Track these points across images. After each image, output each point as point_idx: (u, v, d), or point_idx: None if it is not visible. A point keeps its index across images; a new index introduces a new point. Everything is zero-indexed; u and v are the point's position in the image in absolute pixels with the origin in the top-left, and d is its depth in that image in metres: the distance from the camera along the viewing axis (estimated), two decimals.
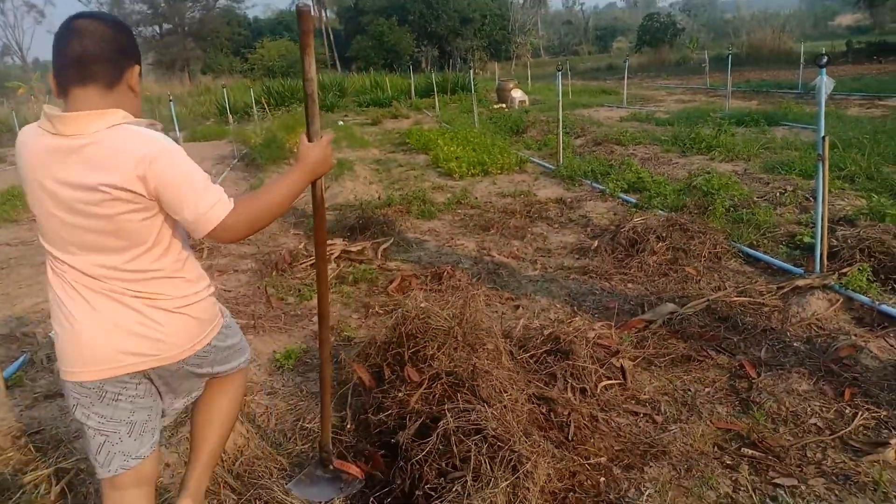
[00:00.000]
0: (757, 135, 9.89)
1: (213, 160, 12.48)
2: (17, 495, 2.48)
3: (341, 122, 17.85)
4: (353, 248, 5.55)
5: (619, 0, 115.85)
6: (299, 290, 4.87)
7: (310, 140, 1.93)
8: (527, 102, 18.85)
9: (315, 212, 2.10)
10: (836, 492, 2.43)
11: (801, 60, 17.80)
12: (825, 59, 4.13)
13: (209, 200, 1.65)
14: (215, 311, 1.94)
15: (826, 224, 4.32)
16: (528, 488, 2.23)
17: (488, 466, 2.26)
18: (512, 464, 2.27)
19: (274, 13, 69.08)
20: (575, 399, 2.99)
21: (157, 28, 52.46)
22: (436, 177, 9.23)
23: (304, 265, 5.36)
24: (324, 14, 55.78)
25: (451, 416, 2.42)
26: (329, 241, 5.79)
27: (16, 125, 16.52)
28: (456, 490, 2.20)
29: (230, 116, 16.41)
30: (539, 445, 2.42)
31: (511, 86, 19.81)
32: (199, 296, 1.84)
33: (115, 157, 1.59)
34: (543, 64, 47.76)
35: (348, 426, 2.91)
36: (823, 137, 4.15)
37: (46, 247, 1.74)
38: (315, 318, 4.34)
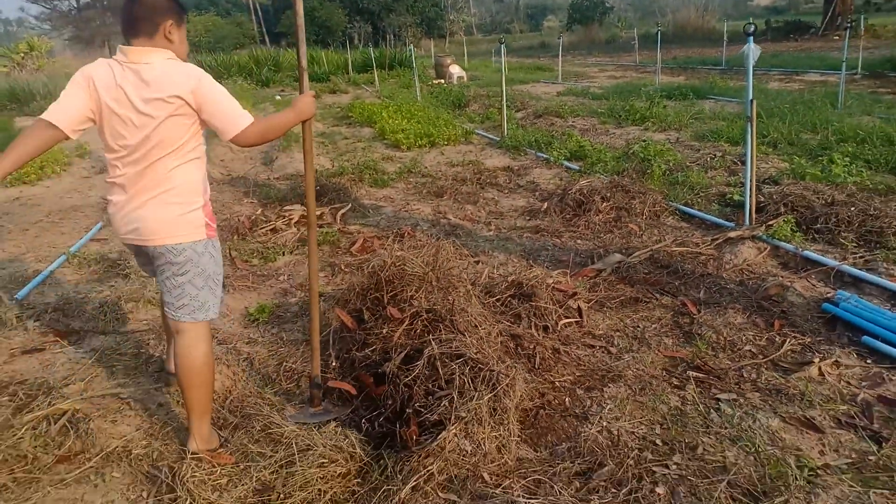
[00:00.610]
0: (686, 107, 10.43)
1: None
2: (20, 433, 2.58)
3: (278, 97, 17.65)
4: None
5: None
6: (262, 253, 4.99)
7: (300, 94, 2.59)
8: (465, 78, 19.06)
9: (305, 157, 2.74)
10: (770, 402, 2.80)
11: (725, 38, 18.61)
12: (752, 28, 4.51)
13: (238, 113, 2.31)
14: (200, 225, 2.41)
15: (754, 181, 4.74)
16: (506, 402, 2.50)
17: (471, 385, 2.51)
18: (491, 382, 2.54)
19: None
20: (538, 335, 3.27)
21: (73, 2, 49.89)
22: (383, 148, 9.37)
23: (263, 230, 5.46)
24: None
25: (435, 345, 2.66)
26: (287, 207, 5.91)
27: None
28: (444, 405, 2.45)
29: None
30: (513, 368, 2.69)
31: (449, 62, 19.97)
32: (192, 205, 2.38)
33: (169, 77, 2.24)
34: (476, 42, 48.02)
35: (333, 364, 3.11)
36: (751, 101, 4.54)
37: (107, 155, 2.36)
38: (281, 278, 4.51)
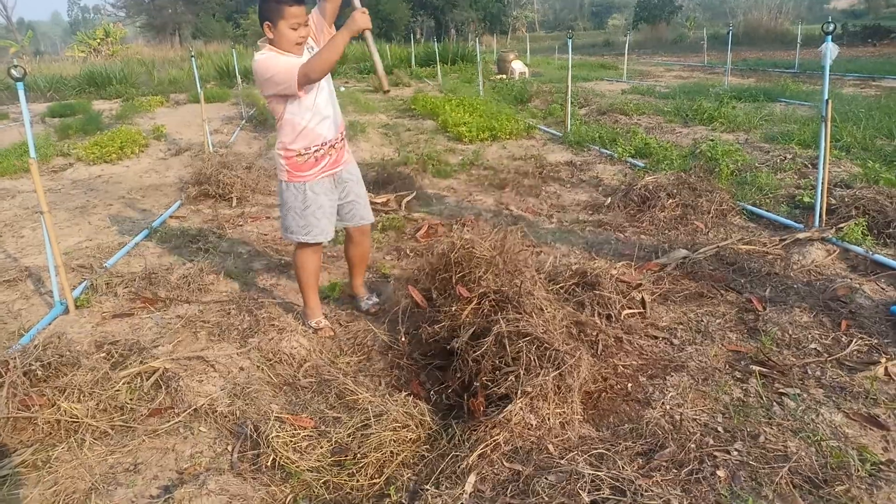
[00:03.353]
0: (756, 108, 10.23)
1: (222, 120, 12.66)
2: (118, 386, 2.80)
3: (343, 88, 17.99)
4: (379, 200, 5.85)
5: None
6: None
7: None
8: (527, 74, 19.05)
9: (372, 57, 3.35)
10: (834, 398, 2.80)
11: (798, 41, 18.10)
12: (832, 27, 4.44)
13: (287, 70, 3.05)
14: (281, 169, 3.36)
15: (826, 183, 4.68)
16: (570, 381, 2.59)
17: (537, 363, 2.61)
18: (557, 362, 2.62)
19: None
20: (601, 323, 3.34)
21: None
22: (445, 141, 9.50)
23: None
24: None
25: (503, 323, 2.76)
26: None
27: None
28: (510, 380, 2.55)
29: (239, 78, 16.44)
30: (578, 349, 2.77)
31: (512, 57, 19.99)
32: (278, 153, 3.36)
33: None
34: (539, 38, 47.77)
35: (402, 339, 3.24)
36: (827, 101, 4.48)
37: None
38: None
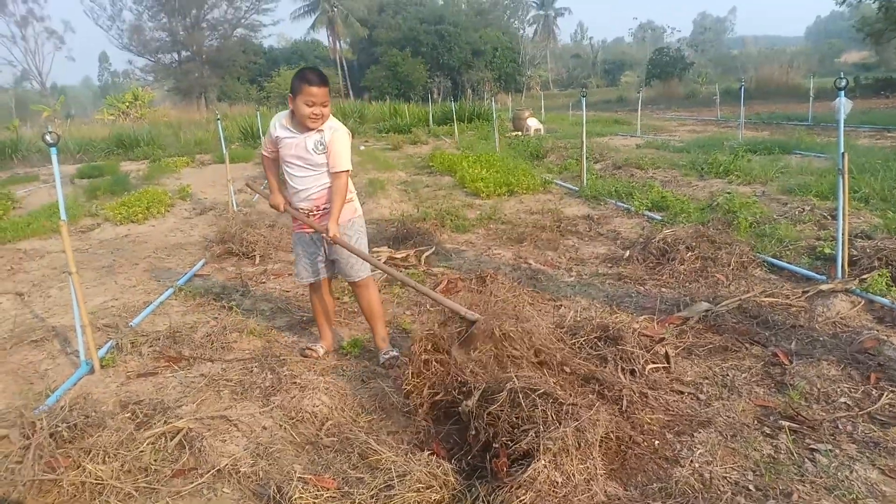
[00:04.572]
0: (772, 161, 10.27)
1: (245, 180, 12.90)
2: (142, 447, 2.81)
3: (363, 147, 18.35)
4: (398, 255, 5.91)
5: (627, 35, 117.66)
6: (351, 291, 5.21)
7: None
8: (542, 131, 19.34)
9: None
10: (868, 454, 2.74)
11: (811, 94, 18.27)
12: (844, 83, 4.51)
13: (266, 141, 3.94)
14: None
15: (847, 234, 4.66)
16: (589, 436, 2.55)
17: (554, 418, 2.58)
18: (575, 416, 2.60)
19: (288, 43, 70.55)
20: (625, 378, 3.31)
21: (175, 55, 53.71)
22: (463, 196, 9.61)
23: None
24: (338, 45, 57.05)
25: (517, 380, 2.74)
26: (375, 249, 6.16)
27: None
28: (531, 435, 2.52)
29: (263, 139, 16.87)
30: (594, 403, 2.75)
31: (527, 114, 20.34)
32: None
33: None
34: (552, 96, 48.61)
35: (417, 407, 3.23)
36: (843, 153, 4.51)
37: None
38: None
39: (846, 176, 4.53)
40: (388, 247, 6.30)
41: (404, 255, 5.95)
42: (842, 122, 4.53)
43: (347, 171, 3.66)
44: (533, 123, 19.55)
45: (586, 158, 9.78)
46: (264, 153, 3.88)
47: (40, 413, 2.91)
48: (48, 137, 3.67)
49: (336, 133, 3.64)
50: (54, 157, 3.77)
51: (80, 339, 3.92)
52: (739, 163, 9.71)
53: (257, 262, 6.36)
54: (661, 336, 3.76)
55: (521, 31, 74.46)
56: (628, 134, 17.82)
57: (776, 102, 26.61)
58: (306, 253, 3.87)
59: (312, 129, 3.60)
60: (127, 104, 37.74)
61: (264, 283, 5.68)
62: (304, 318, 4.71)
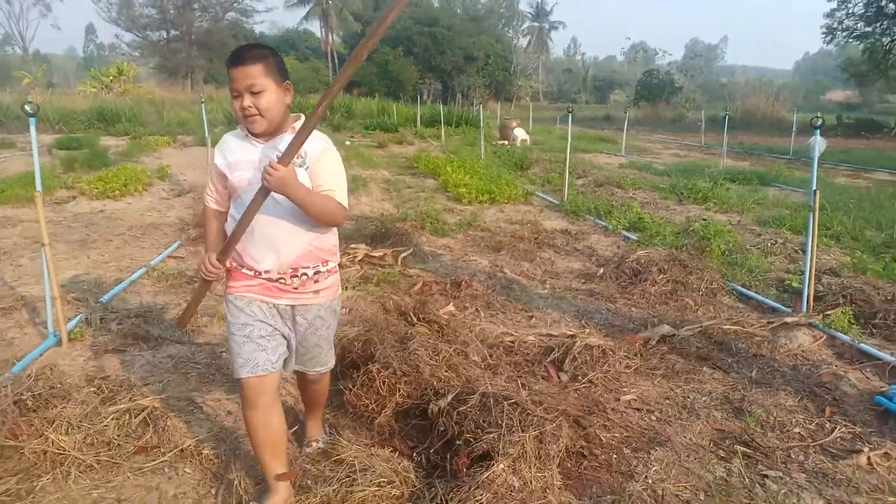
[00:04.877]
0: (750, 192, 10.48)
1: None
2: (106, 421, 2.81)
3: (348, 142, 18.33)
4: (376, 254, 5.94)
5: (619, 54, 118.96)
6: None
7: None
8: (528, 142, 19.49)
9: None
10: (816, 484, 2.83)
11: (794, 128, 18.64)
12: (820, 122, 4.64)
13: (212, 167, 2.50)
14: None
15: (814, 270, 4.79)
16: (550, 448, 2.61)
17: (518, 426, 2.64)
18: (539, 426, 2.66)
19: (280, 31, 70.22)
20: (588, 392, 3.38)
21: (164, 33, 53.07)
22: (445, 200, 9.66)
23: None
24: (330, 38, 56.84)
25: (490, 384, 2.80)
26: (353, 245, 6.18)
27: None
28: (493, 436, 2.58)
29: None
30: (559, 418, 2.81)
31: (514, 124, 20.50)
32: None
33: None
34: (541, 108, 48.94)
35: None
36: (815, 191, 4.64)
37: None
38: (342, 311, 4.71)
39: (816, 212, 4.66)
40: (366, 244, 6.31)
41: (381, 254, 5.98)
42: (815, 159, 4.66)
43: (343, 206, 2.35)
44: (520, 134, 19.69)
45: (569, 174, 9.89)
46: (209, 204, 2.49)
47: (4, 380, 2.89)
48: (27, 108, 3.65)
49: (327, 150, 2.35)
50: (32, 129, 3.74)
51: (49, 310, 3.89)
52: (718, 191, 9.90)
53: None
54: (623, 356, 3.84)
55: (515, 41, 74.86)
56: (613, 152, 18.02)
57: (759, 134, 27.07)
58: (259, 325, 2.37)
59: (281, 134, 2.31)
60: (111, 78, 37.21)
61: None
62: None
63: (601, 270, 5.84)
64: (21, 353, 3.72)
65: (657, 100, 44.11)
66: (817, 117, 4.68)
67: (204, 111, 10.59)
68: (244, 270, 2.37)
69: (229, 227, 2.36)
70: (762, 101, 35.52)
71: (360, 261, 5.80)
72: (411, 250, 6.31)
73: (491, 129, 22.99)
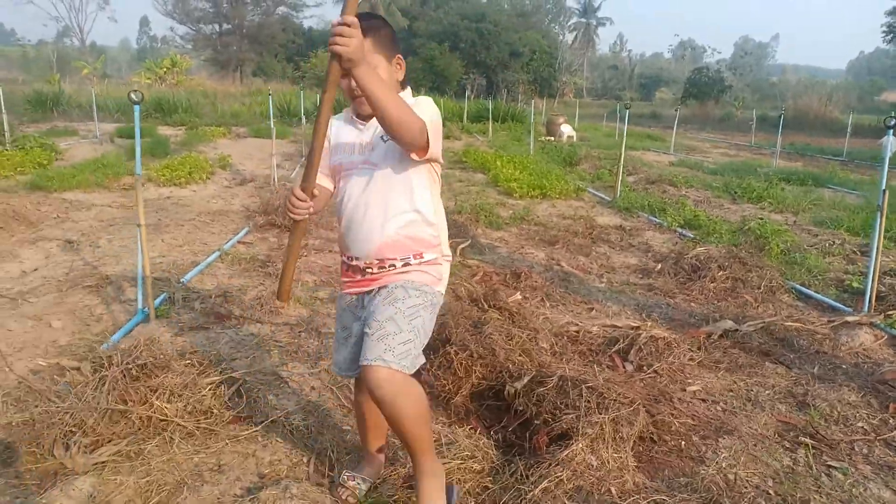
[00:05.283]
0: (804, 192, 10.36)
1: (282, 156, 13.16)
2: (204, 391, 3.02)
3: None
4: None
5: (666, 51, 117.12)
6: None
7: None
8: (574, 138, 19.45)
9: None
10: (882, 476, 2.89)
11: (849, 129, 18.25)
12: (893, 122, 4.63)
13: None
14: None
15: (878, 270, 4.79)
16: (625, 431, 2.73)
17: (595, 408, 2.76)
18: (615, 409, 2.78)
19: (328, 25, 70.93)
20: (657, 381, 3.48)
21: (216, 27, 54.24)
22: (496, 194, 9.78)
23: None
24: None
25: (568, 369, 2.93)
26: None
27: (94, 102, 17.32)
28: (571, 417, 2.71)
29: (304, 118, 17.08)
30: (636, 401, 2.92)
31: (561, 120, 20.47)
32: None
33: None
34: (586, 105, 48.57)
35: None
36: (884, 191, 4.63)
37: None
38: None
39: (884, 212, 4.66)
40: None
41: None
42: (887, 159, 4.66)
43: (425, 127, 1.98)
44: (566, 130, 19.67)
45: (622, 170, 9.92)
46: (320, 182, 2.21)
47: (114, 349, 3.12)
48: (133, 96, 3.89)
49: (421, 99, 2.12)
50: (136, 115, 3.98)
51: (140, 287, 4.14)
52: (773, 190, 9.81)
53: None
54: (687, 349, 3.93)
55: (561, 37, 74.37)
56: (661, 150, 17.89)
57: (811, 135, 26.52)
58: (340, 326, 2.42)
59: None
60: (165, 69, 38.27)
61: (306, 256, 5.89)
62: None
63: (659, 266, 5.91)
64: (111, 327, 3.98)
65: (706, 98, 43.44)
66: (892, 117, 4.67)
67: (271, 103, 10.89)
68: (343, 258, 2.31)
69: (337, 209, 2.28)
70: (815, 102, 34.69)
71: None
72: (469, 242, 6.46)
73: (537, 125, 23.00)
